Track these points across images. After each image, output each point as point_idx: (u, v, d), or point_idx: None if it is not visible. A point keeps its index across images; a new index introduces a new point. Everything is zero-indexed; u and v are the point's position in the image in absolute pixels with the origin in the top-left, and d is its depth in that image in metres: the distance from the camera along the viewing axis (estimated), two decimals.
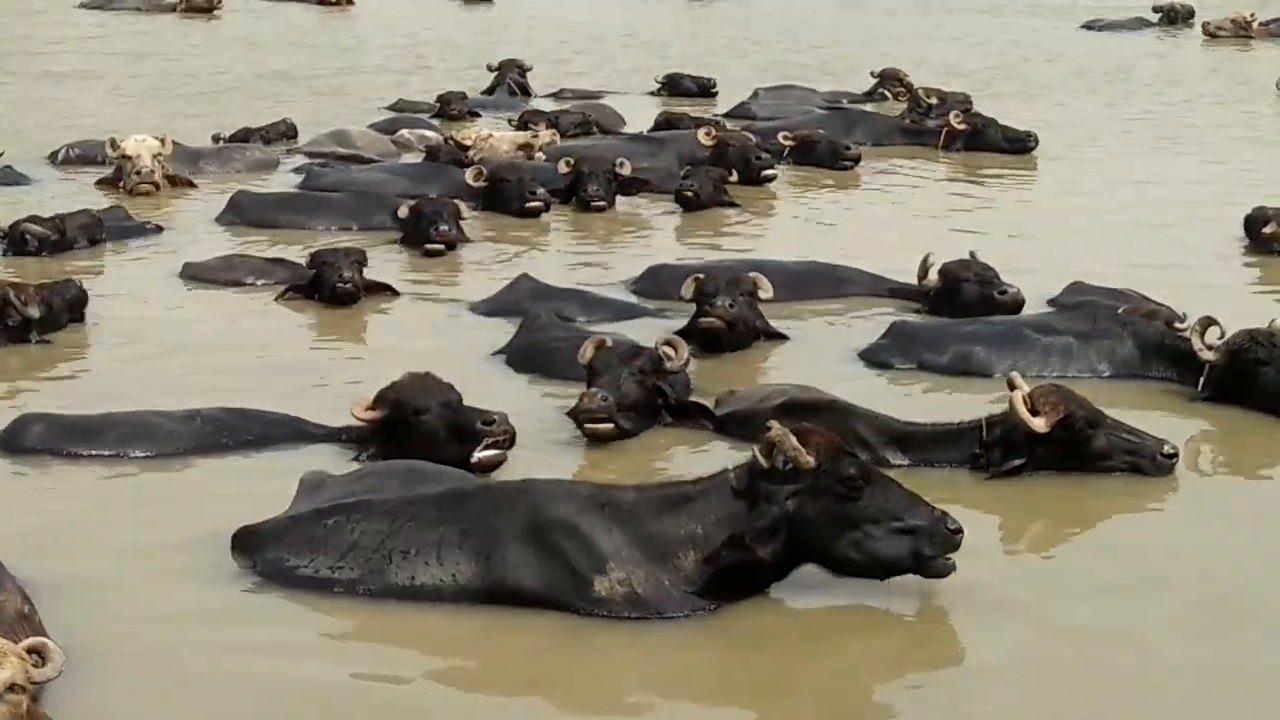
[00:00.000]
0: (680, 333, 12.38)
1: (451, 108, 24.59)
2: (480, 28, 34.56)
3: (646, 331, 12.56)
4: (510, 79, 26.92)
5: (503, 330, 13.23)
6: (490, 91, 26.78)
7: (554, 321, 13.18)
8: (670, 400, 11.25)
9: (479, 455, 10.09)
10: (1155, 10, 38.00)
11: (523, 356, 12.63)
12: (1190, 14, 37.43)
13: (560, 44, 33.04)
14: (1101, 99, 27.12)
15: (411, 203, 16.61)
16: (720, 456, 10.06)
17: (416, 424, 10.31)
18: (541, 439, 10.81)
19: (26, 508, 9.79)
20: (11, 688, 6.76)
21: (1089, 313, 13.03)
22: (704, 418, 11.21)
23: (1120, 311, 12.96)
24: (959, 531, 8.39)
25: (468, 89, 26.29)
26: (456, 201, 16.94)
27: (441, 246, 16.04)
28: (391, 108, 25.12)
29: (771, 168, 19.74)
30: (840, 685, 7.84)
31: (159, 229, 17.07)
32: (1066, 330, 12.66)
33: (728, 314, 12.81)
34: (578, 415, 10.85)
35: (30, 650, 7.00)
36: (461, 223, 16.50)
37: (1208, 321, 11.91)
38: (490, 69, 27.35)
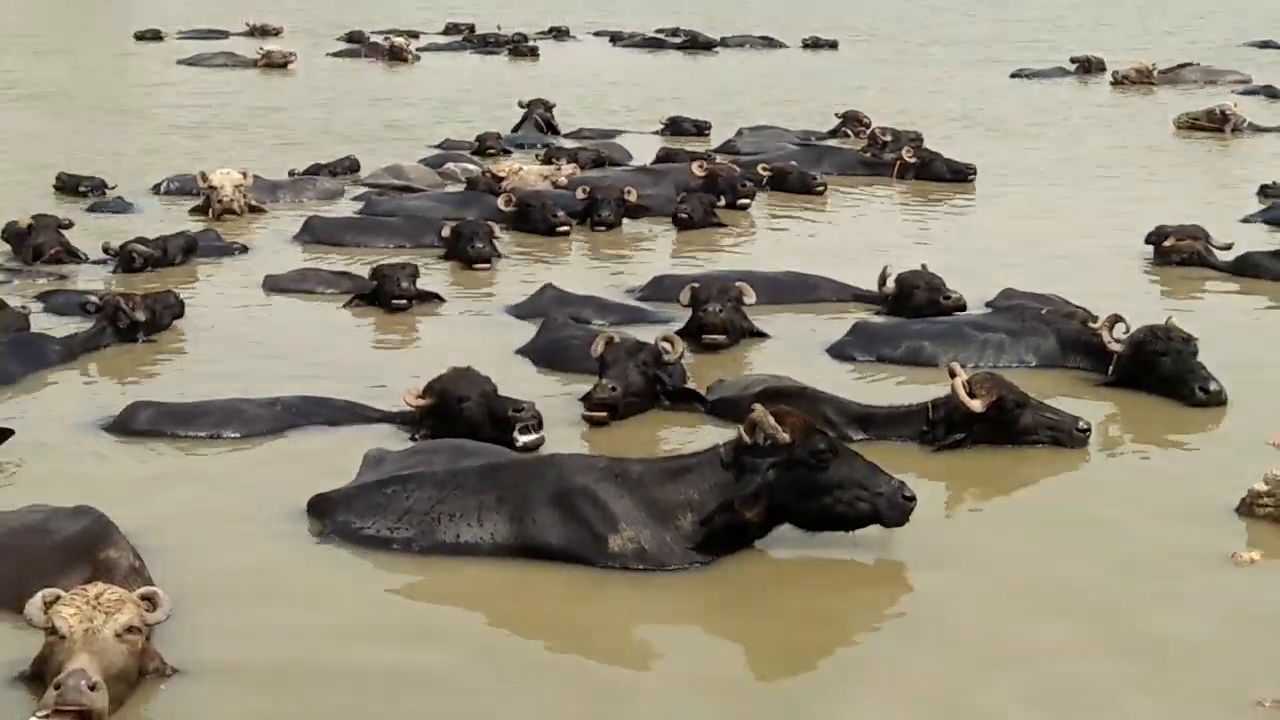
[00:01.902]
0: (680, 332, 12.38)
1: (489, 145, 24.56)
2: (521, 79, 34.49)
3: (650, 331, 12.57)
4: (537, 115, 26.81)
5: (531, 331, 13.25)
6: (519, 127, 26.66)
7: (569, 322, 13.20)
8: (668, 386, 11.28)
9: (522, 440, 10.08)
10: (1072, 61, 37.94)
11: (543, 352, 12.66)
12: (1102, 64, 37.35)
13: (583, 91, 33.02)
14: (1030, 135, 27.08)
15: (454, 224, 16.65)
16: (711, 435, 10.09)
17: (460, 410, 10.33)
18: (561, 421, 10.82)
19: (137, 480, 9.83)
20: (130, 629, 6.83)
21: (1018, 314, 13.06)
22: (697, 402, 11.24)
23: (1044, 312, 12.98)
24: (912, 497, 8.42)
25: (504, 129, 26.23)
26: (491, 223, 16.97)
27: (484, 261, 16.09)
28: (439, 146, 25.09)
29: (752, 194, 19.78)
30: (815, 621, 7.87)
31: (244, 248, 17.09)
32: (1000, 328, 12.69)
33: (718, 317, 12.85)
34: (591, 404, 10.89)
35: (144, 597, 7.06)
36: (495, 241, 16.51)
37: (1115, 319, 11.94)
38: (520, 105, 27.30)
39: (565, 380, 11.89)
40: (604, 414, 10.83)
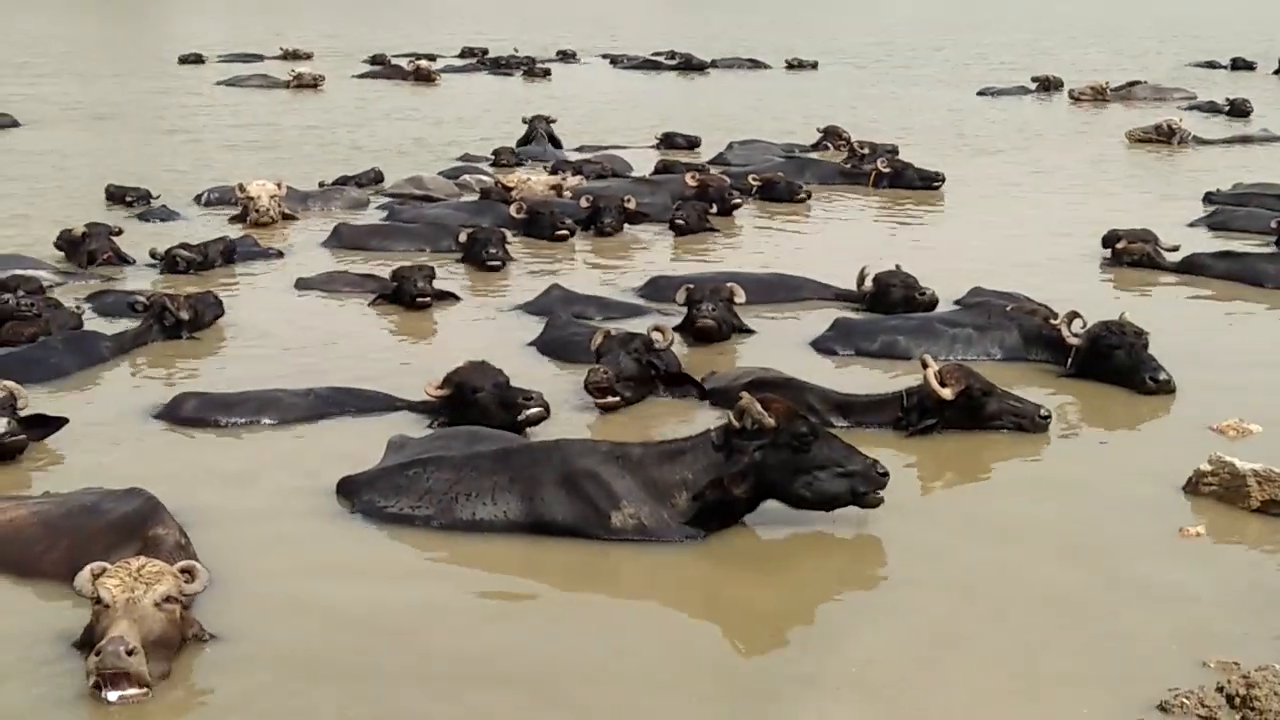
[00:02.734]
0: (676, 329, 12.35)
1: (502, 159, 24.54)
2: (533, 98, 34.41)
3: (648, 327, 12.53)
4: (540, 129, 26.81)
5: (539, 327, 13.23)
6: (525, 140, 26.55)
7: (571, 320, 13.19)
8: (662, 372, 11.24)
9: (526, 414, 10.11)
10: (1034, 80, 37.92)
11: (550, 346, 12.64)
12: (1060, 83, 37.32)
13: (589, 108, 32.98)
14: (995, 147, 27.07)
15: (469, 230, 16.63)
16: (704, 420, 10.07)
17: (475, 400, 10.31)
18: (567, 409, 10.81)
19: (183, 463, 9.81)
20: (168, 599, 6.81)
21: (985, 310, 13.03)
22: (691, 386, 11.18)
23: (1008, 309, 12.94)
24: (886, 474, 8.42)
25: (516, 144, 26.17)
26: (503, 230, 16.95)
27: (496, 264, 16.08)
28: (459, 159, 25.03)
29: (741, 202, 19.76)
30: (798, 590, 7.86)
31: (279, 253, 17.09)
32: (968, 323, 12.67)
33: (712, 315, 12.83)
34: (588, 387, 10.87)
35: (183, 570, 7.05)
36: (506, 246, 16.49)
37: (1073, 315, 11.92)
38: (524, 120, 27.25)
39: (570, 371, 11.87)
40: (616, 399, 10.80)
